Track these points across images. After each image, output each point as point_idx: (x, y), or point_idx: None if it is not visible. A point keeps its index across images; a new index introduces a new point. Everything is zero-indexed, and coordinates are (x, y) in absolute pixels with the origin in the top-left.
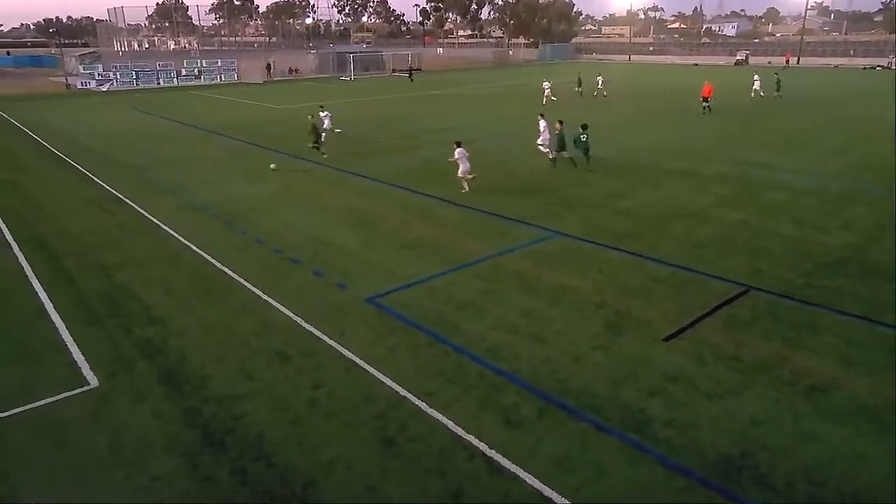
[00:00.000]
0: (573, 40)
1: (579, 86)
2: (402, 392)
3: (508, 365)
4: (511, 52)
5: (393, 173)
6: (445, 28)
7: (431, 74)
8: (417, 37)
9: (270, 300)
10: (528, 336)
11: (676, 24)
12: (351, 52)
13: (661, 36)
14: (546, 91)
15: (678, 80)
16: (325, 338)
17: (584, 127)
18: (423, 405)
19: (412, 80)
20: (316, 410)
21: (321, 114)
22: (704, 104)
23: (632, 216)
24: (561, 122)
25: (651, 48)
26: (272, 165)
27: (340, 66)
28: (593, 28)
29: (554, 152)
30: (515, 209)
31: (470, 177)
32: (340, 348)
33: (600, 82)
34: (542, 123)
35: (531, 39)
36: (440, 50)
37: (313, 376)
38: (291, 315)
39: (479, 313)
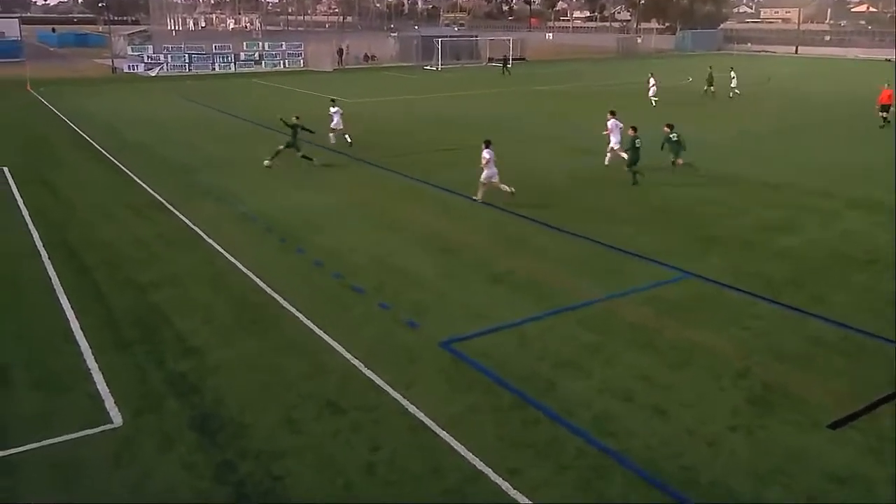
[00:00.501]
0: (721, 26)
1: (710, 84)
2: (479, 465)
3: (617, 442)
4: (640, 40)
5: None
6: (557, 8)
7: (537, 66)
8: (522, 19)
9: (326, 337)
10: (645, 407)
11: (863, 8)
12: (439, 37)
13: (842, 23)
14: (651, 88)
15: (859, 81)
16: (388, 388)
17: (671, 127)
18: (504, 485)
19: (508, 72)
20: (372, 479)
21: (331, 109)
22: (883, 115)
23: (793, 258)
24: (635, 129)
25: (827, 37)
26: (266, 162)
27: (426, 54)
28: (749, 11)
29: (626, 167)
30: (636, 240)
31: (506, 188)
32: (406, 403)
33: (733, 80)
34: (611, 122)
35: (666, 24)
36: (549, 35)
37: (371, 435)
38: (349, 357)
39: (582, 372)
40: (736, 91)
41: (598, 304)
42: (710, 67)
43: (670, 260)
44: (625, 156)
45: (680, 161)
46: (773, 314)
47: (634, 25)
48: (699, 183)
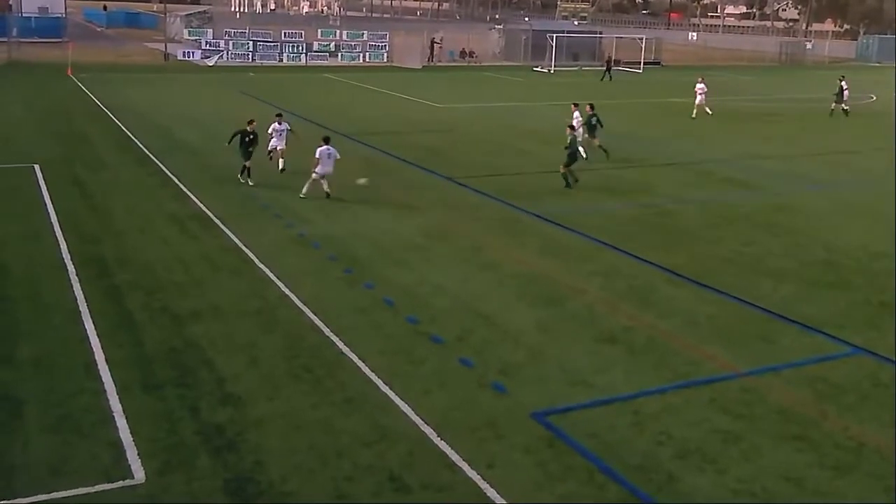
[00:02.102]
0: None
1: (839, 100)
2: None
3: None
4: (810, 45)
5: (601, 223)
6: (706, 1)
7: (676, 72)
8: (659, 14)
9: (392, 394)
10: None
11: None
12: (554, 32)
13: None
14: (698, 96)
15: None
16: (464, 465)
17: (592, 107)
18: None
19: (610, 77)
20: None
21: (275, 125)
22: None
23: None
24: (592, 106)
25: None
26: (361, 180)
27: (536, 52)
28: None
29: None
30: (792, 301)
31: (322, 180)
32: (485, 486)
33: (844, 92)
34: (577, 114)
35: (845, 27)
36: (693, 35)
37: None
38: (419, 422)
39: (712, 466)
40: (844, 107)
41: (739, 381)
42: (842, 78)
43: (836, 330)
44: (595, 149)
45: (597, 142)
46: None
47: (804, 27)
48: (871, 230)
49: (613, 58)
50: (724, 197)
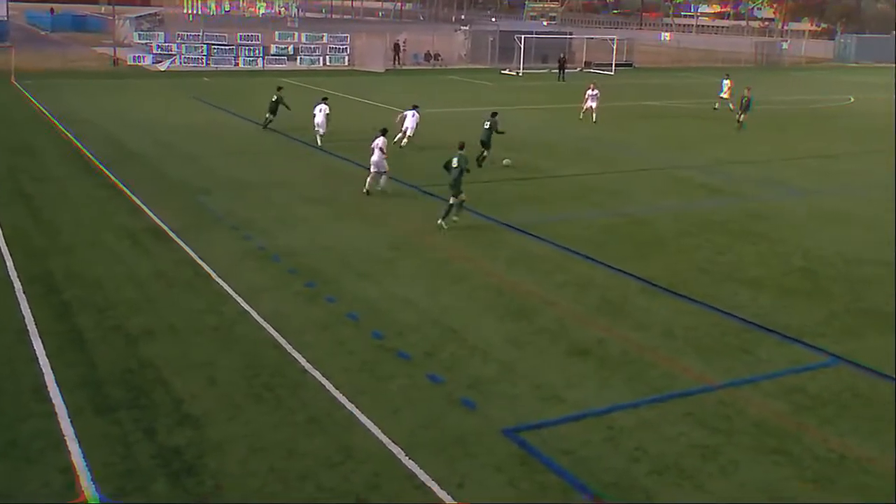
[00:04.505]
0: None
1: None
2: None
3: None
4: (786, 45)
5: (573, 232)
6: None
7: (648, 74)
8: (632, 13)
9: (357, 413)
10: None
11: None
12: (521, 33)
13: None
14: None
15: None
16: (433, 485)
17: (461, 147)
18: None
19: (562, 78)
20: None
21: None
22: None
23: None
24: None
25: None
26: (506, 161)
27: (504, 54)
28: None
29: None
30: (770, 310)
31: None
32: None
33: (729, 95)
34: (411, 113)
35: (822, 25)
36: (666, 36)
37: None
38: (386, 441)
39: (690, 482)
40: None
41: (716, 394)
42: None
43: (815, 340)
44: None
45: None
46: None
47: (780, 26)
48: (850, 236)
49: (563, 57)
50: (698, 204)
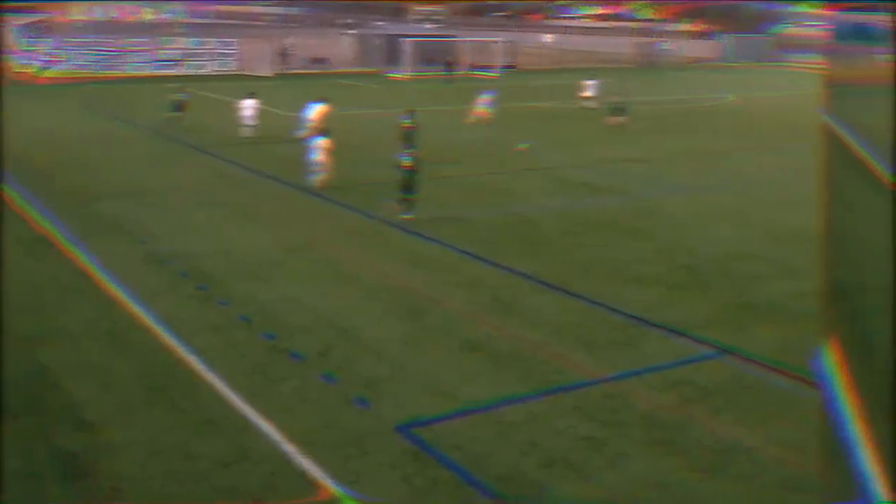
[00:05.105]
0: (772, 30)
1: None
2: None
3: None
4: (669, 45)
5: (463, 232)
6: (560, 3)
7: (531, 77)
8: (516, 15)
9: (252, 414)
10: None
11: None
12: (407, 37)
13: None
14: (480, 106)
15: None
16: (326, 481)
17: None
18: None
19: (450, 82)
20: None
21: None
22: None
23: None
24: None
25: None
26: (522, 145)
27: (391, 57)
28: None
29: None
30: (656, 305)
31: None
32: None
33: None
34: (249, 102)
35: (704, 27)
36: (548, 38)
37: None
38: (280, 439)
39: (579, 474)
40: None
41: (603, 387)
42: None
43: (700, 333)
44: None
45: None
46: None
47: (661, 27)
48: (733, 233)
49: (450, 61)
50: (584, 202)
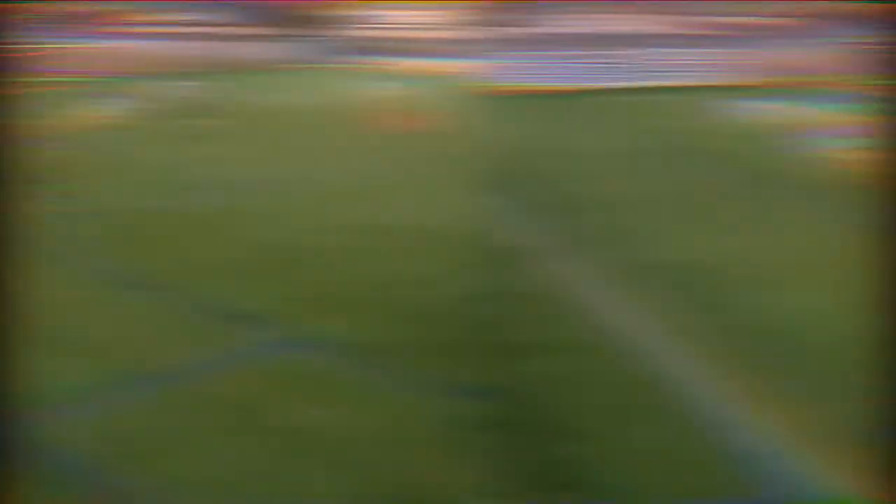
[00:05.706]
0: (345, 30)
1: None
2: None
3: None
4: (241, 48)
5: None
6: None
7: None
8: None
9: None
10: None
11: None
12: None
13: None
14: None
15: None
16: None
17: None
18: None
19: None
20: None
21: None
22: None
23: (434, 319)
24: None
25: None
26: None
27: None
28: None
29: None
30: (229, 296)
31: None
32: None
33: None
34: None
35: (279, 30)
36: (126, 44)
37: None
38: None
39: (157, 466)
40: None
41: (183, 378)
42: None
43: (274, 322)
44: None
45: None
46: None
47: (233, 30)
48: (298, 226)
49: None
50: (153, 204)
